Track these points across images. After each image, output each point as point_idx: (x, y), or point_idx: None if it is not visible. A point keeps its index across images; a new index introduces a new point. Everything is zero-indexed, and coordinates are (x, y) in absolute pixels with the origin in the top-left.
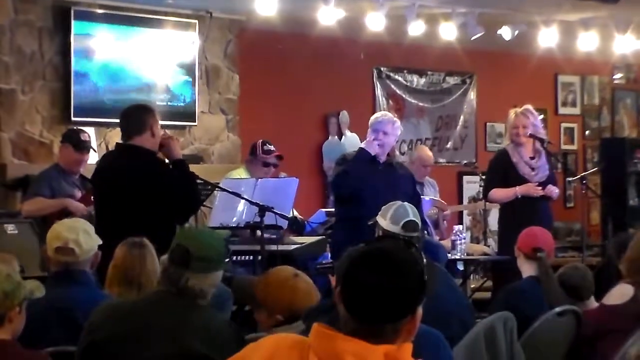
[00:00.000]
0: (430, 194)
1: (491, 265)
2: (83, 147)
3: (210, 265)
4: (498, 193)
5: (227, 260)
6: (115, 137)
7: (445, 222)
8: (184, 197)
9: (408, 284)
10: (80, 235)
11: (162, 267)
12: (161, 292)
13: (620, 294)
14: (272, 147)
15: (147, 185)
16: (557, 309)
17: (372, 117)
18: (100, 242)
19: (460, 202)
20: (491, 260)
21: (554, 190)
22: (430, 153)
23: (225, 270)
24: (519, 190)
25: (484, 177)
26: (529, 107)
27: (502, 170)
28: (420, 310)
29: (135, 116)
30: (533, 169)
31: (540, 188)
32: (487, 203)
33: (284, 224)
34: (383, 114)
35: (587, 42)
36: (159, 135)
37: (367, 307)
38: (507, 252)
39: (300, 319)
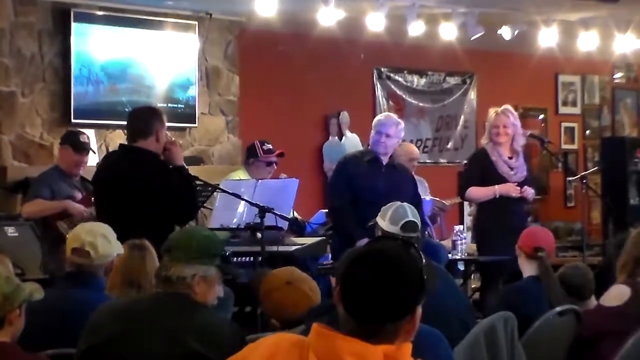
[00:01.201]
0: (421, 192)
1: (476, 266)
2: (82, 148)
3: (189, 254)
4: (476, 191)
5: (215, 256)
6: (116, 138)
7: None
8: (184, 202)
9: (406, 284)
10: (97, 239)
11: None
12: (159, 293)
13: (617, 294)
14: (270, 146)
15: (149, 187)
16: (558, 309)
17: (376, 119)
18: (122, 250)
19: (461, 202)
20: (491, 260)
21: (530, 192)
22: (415, 148)
23: (224, 271)
24: (498, 189)
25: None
26: (509, 107)
27: (480, 169)
28: (419, 311)
29: (143, 119)
30: (512, 169)
31: (519, 188)
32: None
33: (285, 225)
34: (387, 116)
35: (588, 41)
36: (163, 139)
37: (365, 306)
38: (485, 251)
39: (296, 326)
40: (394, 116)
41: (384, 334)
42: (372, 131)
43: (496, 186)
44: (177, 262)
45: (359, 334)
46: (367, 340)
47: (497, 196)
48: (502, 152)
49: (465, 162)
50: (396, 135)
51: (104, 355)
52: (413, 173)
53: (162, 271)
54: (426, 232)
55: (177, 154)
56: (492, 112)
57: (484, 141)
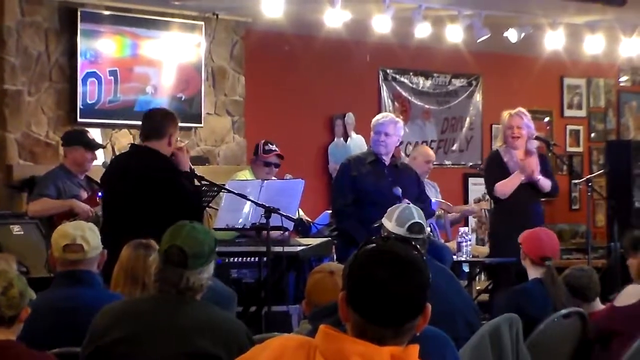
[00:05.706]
0: (431, 195)
1: (487, 267)
2: (93, 145)
3: (205, 260)
4: (503, 185)
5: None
6: (121, 138)
7: (449, 218)
8: (191, 204)
9: (422, 283)
10: (87, 232)
11: (156, 269)
12: (164, 293)
13: (632, 293)
14: (273, 147)
15: (159, 186)
16: (563, 311)
17: (374, 119)
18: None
19: (466, 203)
20: (496, 262)
21: (545, 180)
22: (431, 151)
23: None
24: (520, 172)
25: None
26: (522, 108)
27: (497, 168)
28: (429, 306)
29: (158, 120)
30: None
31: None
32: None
33: (290, 225)
34: (384, 115)
35: (593, 44)
36: (174, 144)
37: (386, 309)
38: (500, 253)
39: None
40: (392, 115)
41: (402, 333)
42: (371, 132)
43: (517, 172)
44: (192, 270)
45: (366, 336)
46: (374, 342)
47: (524, 179)
48: (515, 154)
49: (470, 163)
50: (395, 133)
51: (113, 357)
52: (427, 176)
53: (182, 283)
54: (430, 233)
55: (183, 160)
56: (505, 114)
57: (498, 143)
